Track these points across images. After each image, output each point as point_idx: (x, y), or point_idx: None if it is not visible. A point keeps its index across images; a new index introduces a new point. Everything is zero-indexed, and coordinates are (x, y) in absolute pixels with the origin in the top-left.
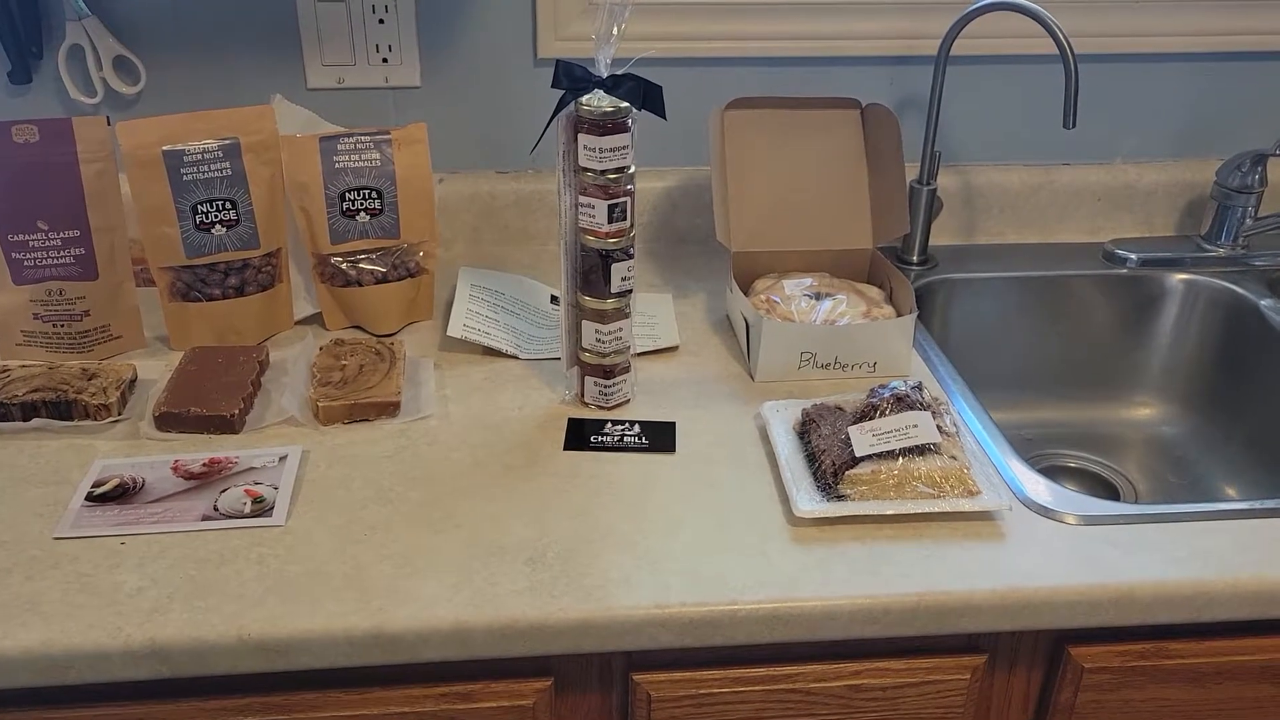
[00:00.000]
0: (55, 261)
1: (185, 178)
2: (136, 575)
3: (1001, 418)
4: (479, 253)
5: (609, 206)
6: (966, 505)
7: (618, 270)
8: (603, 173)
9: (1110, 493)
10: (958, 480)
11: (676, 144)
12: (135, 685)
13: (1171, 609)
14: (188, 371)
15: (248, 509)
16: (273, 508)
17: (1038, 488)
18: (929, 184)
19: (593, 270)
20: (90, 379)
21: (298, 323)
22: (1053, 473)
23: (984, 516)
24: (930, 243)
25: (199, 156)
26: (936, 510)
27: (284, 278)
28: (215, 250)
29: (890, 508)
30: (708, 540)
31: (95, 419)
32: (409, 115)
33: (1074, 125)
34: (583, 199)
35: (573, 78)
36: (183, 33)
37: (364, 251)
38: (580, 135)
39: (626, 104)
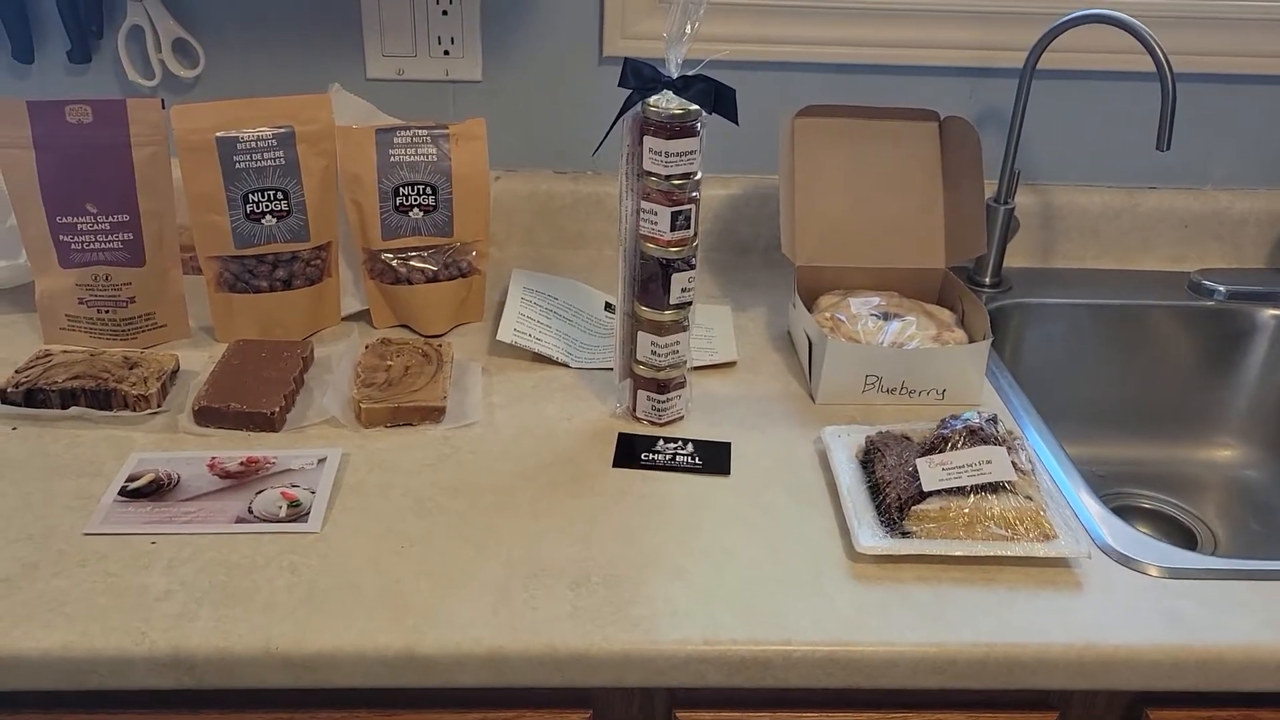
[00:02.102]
0: (103, 246)
1: (238, 165)
2: (165, 578)
3: (1074, 452)
4: (533, 254)
5: (673, 213)
6: (1042, 550)
7: (678, 281)
8: (668, 178)
9: (1187, 539)
10: (1033, 522)
11: (743, 150)
12: (156, 694)
13: (1263, 676)
14: (230, 365)
15: (283, 513)
16: (309, 513)
17: (1118, 533)
18: (1007, 203)
19: (652, 279)
20: (132, 368)
21: (345, 319)
22: (1126, 514)
23: (1060, 563)
24: (1005, 264)
25: (253, 144)
26: (1009, 554)
27: (333, 272)
28: (265, 241)
29: (959, 548)
30: (762, 573)
31: (134, 410)
32: (468, 110)
33: (1168, 147)
34: (645, 204)
35: (641, 77)
36: (242, 17)
37: (415, 249)
38: (646, 138)
39: (696, 107)
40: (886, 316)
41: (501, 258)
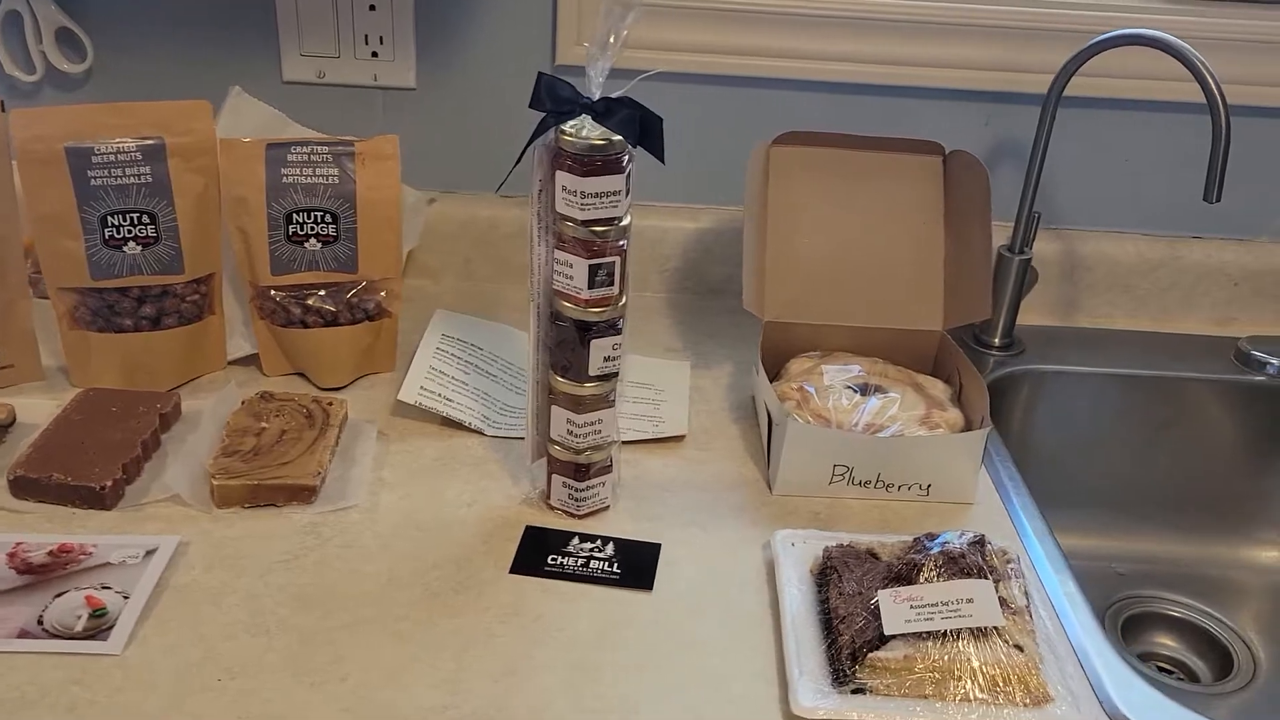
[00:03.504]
0: None
1: (94, 182)
2: None
3: (1090, 546)
4: (470, 290)
5: (590, 267)
6: None
7: (599, 348)
8: (585, 224)
9: (1220, 658)
10: (1021, 680)
11: (713, 178)
12: None
13: None
14: (69, 421)
15: (81, 625)
16: (112, 626)
17: (1135, 697)
18: (1023, 251)
19: (567, 345)
20: None
21: (233, 363)
22: (1148, 624)
23: None
24: (1018, 323)
25: (112, 157)
26: None
27: (216, 309)
28: (128, 272)
29: (924, 714)
30: None
31: None
32: (400, 122)
33: (1218, 198)
34: (559, 254)
35: (556, 98)
36: (136, 4)
37: (312, 286)
38: (559, 173)
39: (620, 137)
40: (866, 389)
41: (435, 292)
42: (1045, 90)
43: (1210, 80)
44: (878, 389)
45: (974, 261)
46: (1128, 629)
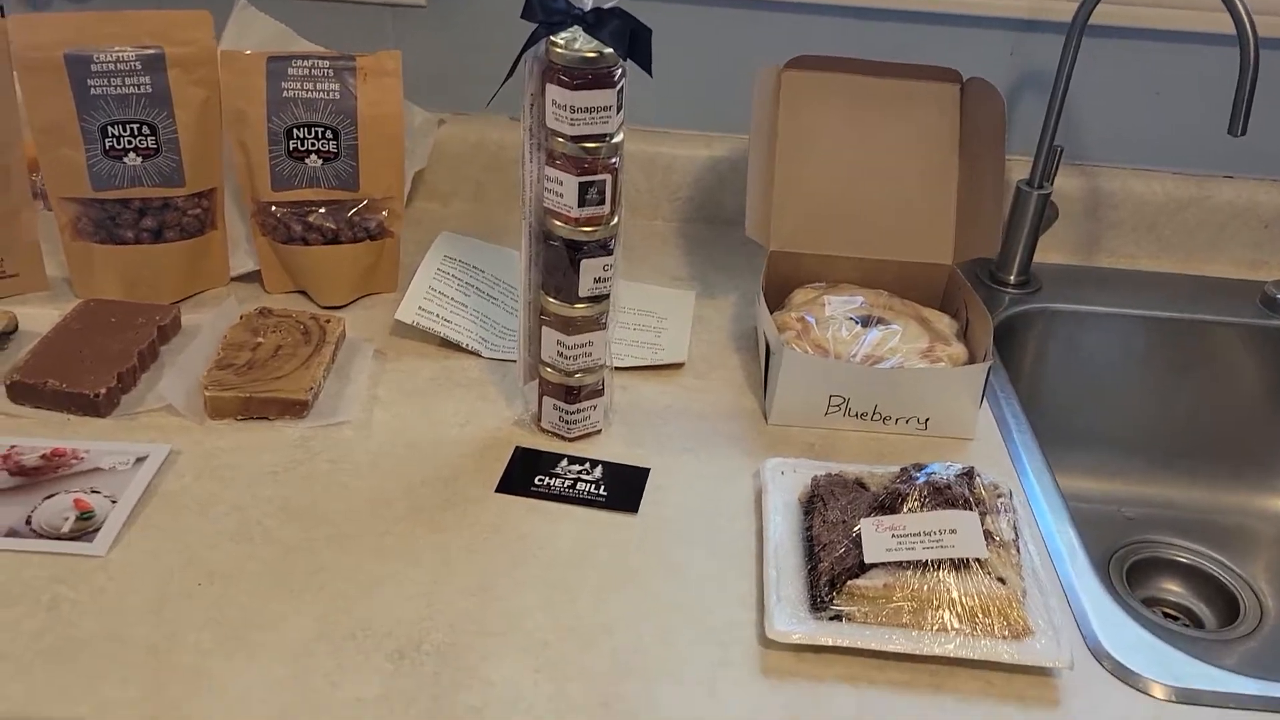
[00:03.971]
0: None
1: (93, 91)
2: None
3: (1099, 488)
4: (479, 213)
5: (581, 184)
6: (1009, 653)
7: (589, 269)
8: (575, 140)
9: (1228, 605)
10: (1002, 613)
11: (727, 105)
12: None
13: None
14: (68, 330)
15: (68, 527)
16: (98, 529)
17: (1119, 633)
18: (1042, 186)
19: (558, 265)
20: None
21: (235, 279)
22: (1155, 569)
23: (1034, 671)
24: (1036, 260)
25: (111, 66)
26: (965, 654)
27: (218, 224)
28: (129, 183)
29: (900, 641)
30: (644, 658)
31: None
32: (410, 41)
33: (1243, 131)
34: (549, 171)
35: (548, 8)
36: None
37: (313, 203)
38: (549, 86)
39: (611, 50)
40: (867, 321)
41: (445, 215)
42: (1070, 18)
43: (1240, 6)
44: (880, 321)
45: (985, 195)
46: (1134, 573)
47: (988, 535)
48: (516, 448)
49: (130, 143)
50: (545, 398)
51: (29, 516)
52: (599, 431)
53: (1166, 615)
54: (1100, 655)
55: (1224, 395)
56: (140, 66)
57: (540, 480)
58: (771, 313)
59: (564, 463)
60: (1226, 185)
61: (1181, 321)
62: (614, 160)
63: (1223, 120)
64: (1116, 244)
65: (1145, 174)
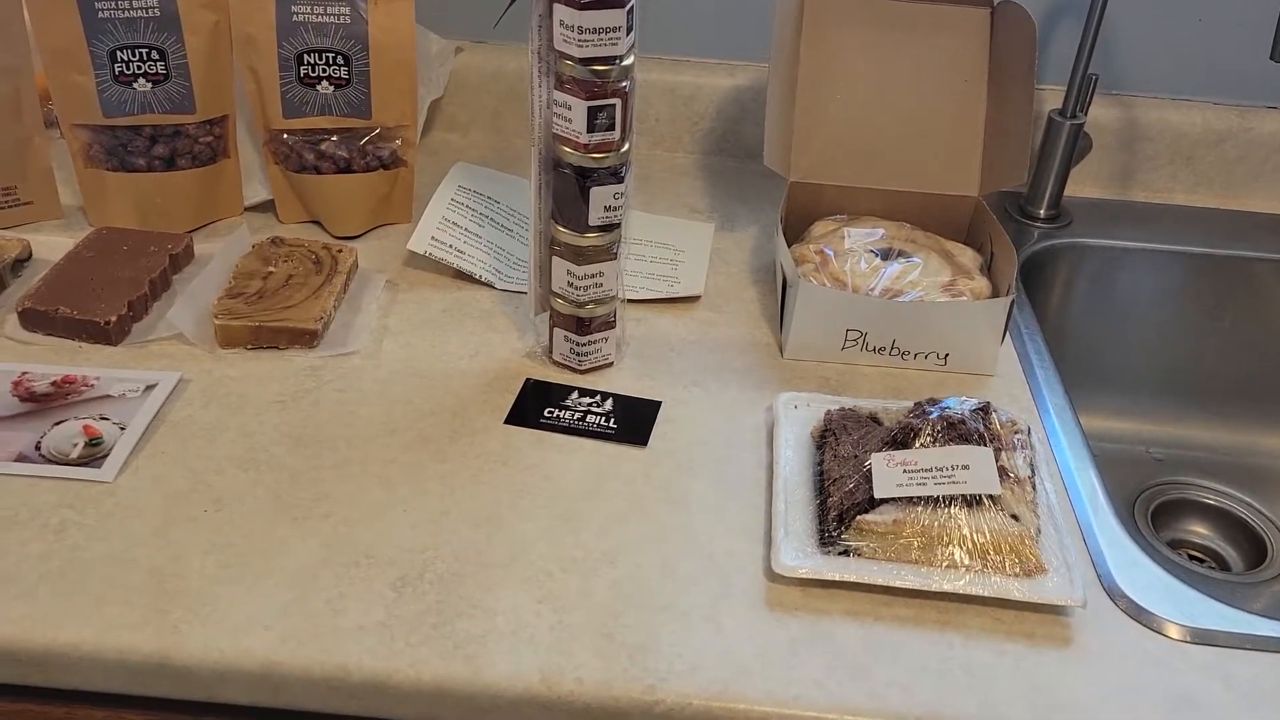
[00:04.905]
0: None
1: (101, 14)
2: None
3: (1126, 428)
4: (498, 144)
5: (590, 109)
6: (1019, 590)
7: (599, 197)
8: (583, 61)
9: (1255, 548)
10: (1014, 550)
11: (751, 32)
12: None
13: None
14: (80, 258)
15: (76, 453)
16: (106, 456)
17: (1135, 572)
18: (1075, 116)
19: (567, 193)
20: None
21: (249, 209)
22: (1182, 510)
23: (1045, 609)
24: (1067, 193)
25: None
26: (974, 591)
27: (230, 152)
28: (139, 110)
29: (907, 577)
30: (646, 589)
31: None
32: None
33: None
34: (558, 95)
35: None
36: None
37: (325, 131)
38: (556, 5)
39: None
40: (888, 254)
41: (462, 145)
42: None
43: None
44: (901, 254)
45: (1013, 124)
46: (1160, 515)
47: (1002, 472)
48: (527, 379)
49: (139, 68)
50: (556, 329)
51: (38, 442)
52: (610, 364)
53: (1192, 558)
54: (1115, 594)
55: (1259, 334)
56: None
57: (550, 412)
58: (790, 245)
59: (574, 395)
60: (1269, 117)
61: (1217, 258)
62: (624, 84)
63: (1266, 49)
64: (1152, 177)
65: (1183, 104)
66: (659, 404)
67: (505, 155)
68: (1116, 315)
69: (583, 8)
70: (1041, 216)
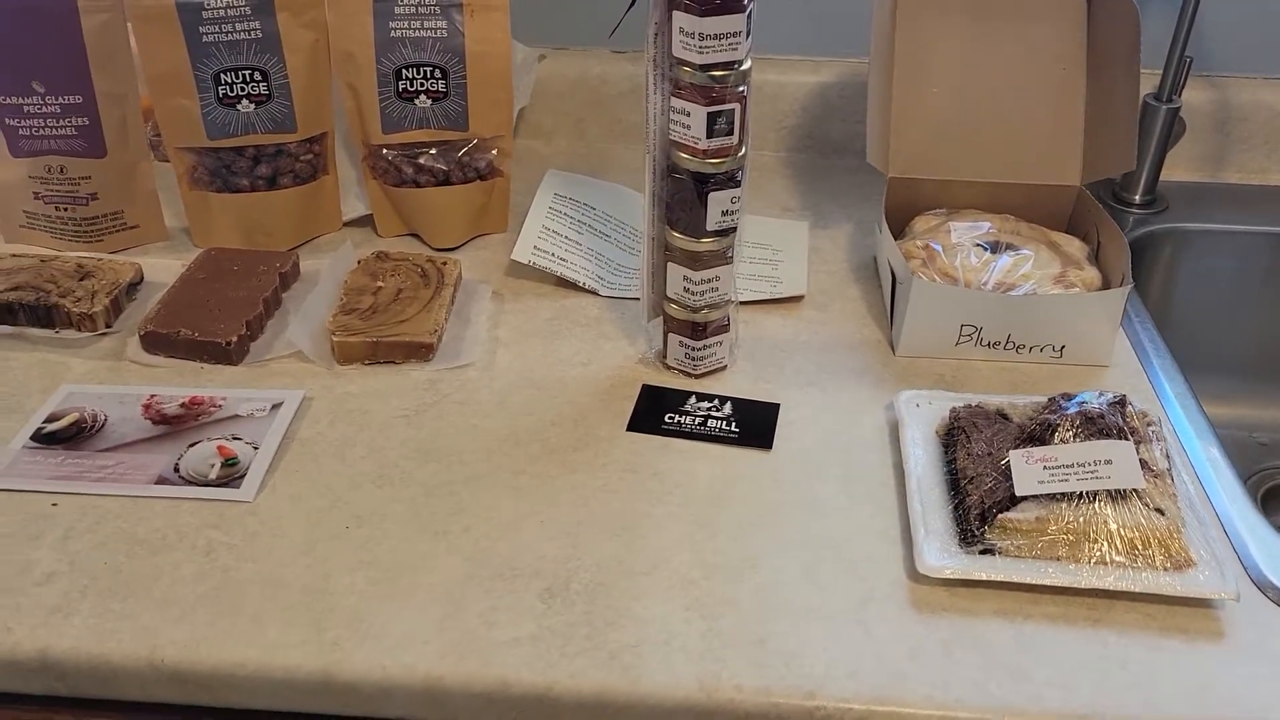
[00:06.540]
0: (54, 132)
1: (205, 39)
2: (55, 554)
3: (1230, 413)
4: (582, 150)
5: (709, 114)
6: (1172, 585)
7: (717, 201)
8: (704, 68)
9: None
10: (1162, 544)
11: (838, 28)
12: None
13: None
14: (193, 280)
15: (215, 473)
16: (244, 475)
17: None
18: (1170, 100)
19: (684, 198)
20: (83, 278)
21: (348, 224)
22: None
23: (1197, 604)
24: (1162, 178)
25: (222, 12)
26: (1126, 587)
27: (330, 169)
28: (242, 131)
29: (1058, 575)
30: (789, 591)
31: (79, 329)
32: None
33: None
34: (676, 102)
35: None
36: None
37: (423, 145)
38: (676, 14)
39: None
40: (996, 248)
41: (546, 153)
42: None
43: None
44: (1009, 247)
45: (1118, 110)
46: (1267, 501)
47: (1143, 465)
48: (643, 386)
49: (243, 89)
50: (671, 335)
51: (176, 464)
52: (725, 368)
53: None
54: (1265, 586)
55: None
56: (250, 11)
57: (670, 418)
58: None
59: (692, 400)
60: None
61: None
62: (742, 89)
63: None
64: (1246, 159)
65: (1277, 84)
66: (778, 406)
67: (591, 161)
68: (1215, 300)
69: (704, 14)
70: (1137, 202)
